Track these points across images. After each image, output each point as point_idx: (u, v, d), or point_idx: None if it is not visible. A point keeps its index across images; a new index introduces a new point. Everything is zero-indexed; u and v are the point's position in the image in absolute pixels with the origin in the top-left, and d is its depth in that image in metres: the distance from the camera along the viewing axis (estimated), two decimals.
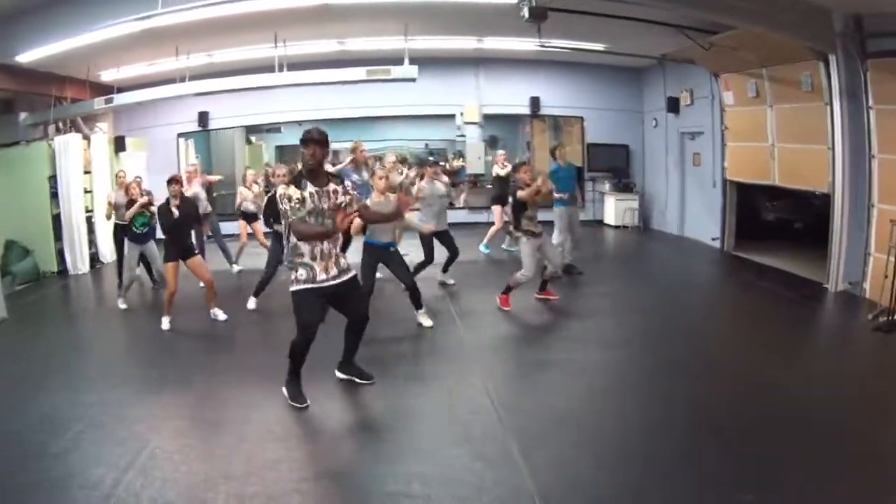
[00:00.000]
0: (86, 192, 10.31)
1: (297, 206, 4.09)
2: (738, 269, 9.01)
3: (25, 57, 7.81)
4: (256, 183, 9.04)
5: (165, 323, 6.61)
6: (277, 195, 4.20)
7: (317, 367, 4.72)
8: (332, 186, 4.22)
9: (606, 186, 12.84)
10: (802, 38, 6.96)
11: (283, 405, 4.43)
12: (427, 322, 6.34)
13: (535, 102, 12.73)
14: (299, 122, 13.59)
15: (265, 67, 9.13)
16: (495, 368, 5.31)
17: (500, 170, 10.12)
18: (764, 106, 8.48)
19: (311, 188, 4.12)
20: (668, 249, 10.76)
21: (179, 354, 6.01)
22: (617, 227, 12.49)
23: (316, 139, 4.09)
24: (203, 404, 4.68)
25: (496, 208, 9.92)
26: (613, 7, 7.55)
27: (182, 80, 9.35)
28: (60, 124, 10.54)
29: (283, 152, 16.58)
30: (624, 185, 12.64)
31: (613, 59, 11.35)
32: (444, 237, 7.62)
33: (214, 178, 10.51)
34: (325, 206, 4.16)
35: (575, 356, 5.47)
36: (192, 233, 7.45)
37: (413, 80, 9.20)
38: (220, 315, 6.82)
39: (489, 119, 13.24)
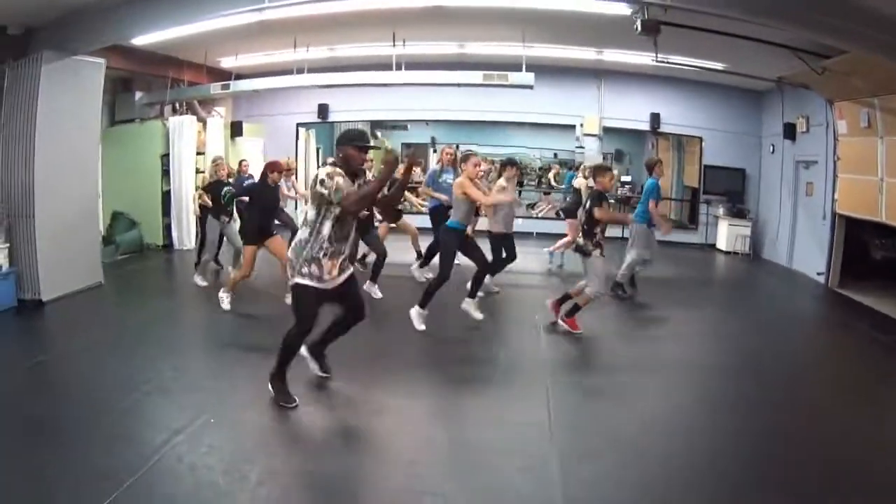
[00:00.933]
0: (199, 172, 10.67)
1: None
2: (837, 308, 8.52)
3: (141, 40, 8.04)
4: None
5: (226, 301, 6.66)
6: (324, 177, 4.03)
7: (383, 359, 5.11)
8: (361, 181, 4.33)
9: (720, 210, 12.42)
10: None
11: (349, 391, 4.58)
12: (477, 315, 6.41)
13: (655, 118, 12.60)
14: (426, 122, 14.24)
15: (384, 65, 9.50)
16: (564, 383, 5.14)
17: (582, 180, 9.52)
18: (875, 137, 7.98)
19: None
20: (771, 280, 10.30)
21: (263, 333, 5.98)
22: (728, 252, 12.06)
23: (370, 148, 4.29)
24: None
25: (570, 221, 9.25)
26: (728, 25, 7.36)
27: (300, 71, 9.72)
28: (177, 105, 11.14)
29: (407, 149, 16.91)
30: (737, 210, 12.17)
31: (733, 80, 11.05)
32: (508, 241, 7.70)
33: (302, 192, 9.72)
34: None
35: (648, 381, 5.28)
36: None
37: (530, 87, 9.32)
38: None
39: (614, 133, 13.27)
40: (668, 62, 9.85)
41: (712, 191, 12.53)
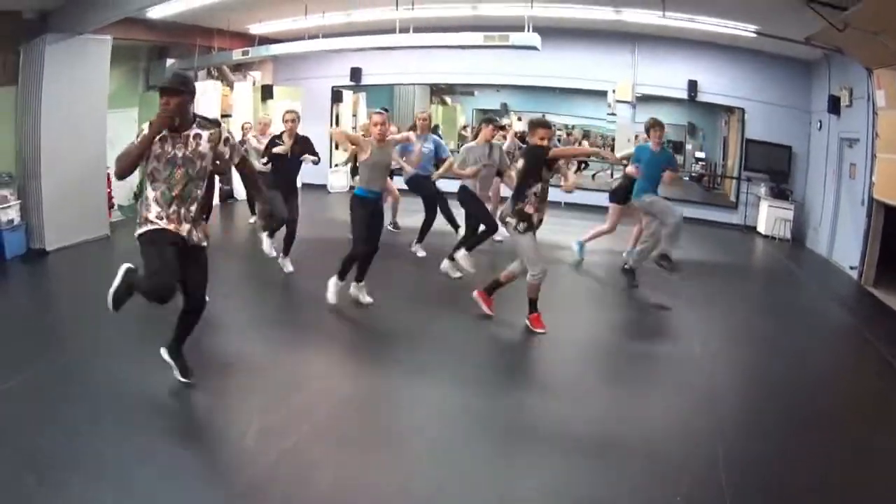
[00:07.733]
0: None
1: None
2: (859, 311, 6.70)
3: (158, 13, 8.01)
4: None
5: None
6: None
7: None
8: (195, 131, 3.53)
9: (762, 190, 10.56)
10: None
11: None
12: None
13: (692, 86, 10.79)
14: (497, 88, 13.21)
15: (401, 28, 8.63)
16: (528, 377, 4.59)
17: None
18: None
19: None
20: (798, 274, 8.49)
21: (268, 293, 6.17)
22: (767, 237, 10.24)
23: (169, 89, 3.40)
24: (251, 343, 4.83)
25: (615, 206, 7.38)
26: None
27: (313, 36, 9.24)
28: (212, 70, 10.97)
29: (481, 115, 15.90)
30: (779, 190, 10.25)
31: (777, 48, 9.17)
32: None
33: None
34: (180, 153, 3.50)
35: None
36: None
37: (535, 48, 8.13)
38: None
39: (692, 105, 11.81)
40: (695, 22, 8.33)
41: (754, 168, 10.61)
